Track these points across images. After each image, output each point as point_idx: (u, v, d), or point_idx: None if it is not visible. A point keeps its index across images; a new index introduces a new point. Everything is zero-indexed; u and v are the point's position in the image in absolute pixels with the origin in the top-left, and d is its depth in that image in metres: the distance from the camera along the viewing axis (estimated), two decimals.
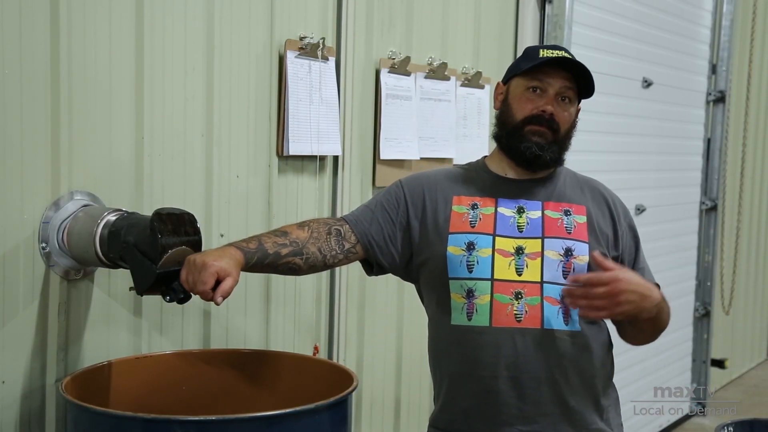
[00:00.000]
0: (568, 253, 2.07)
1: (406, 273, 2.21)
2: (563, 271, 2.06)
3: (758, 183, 6.26)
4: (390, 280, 3.12)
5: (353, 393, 2.03)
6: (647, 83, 4.70)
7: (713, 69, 5.37)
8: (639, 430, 4.75)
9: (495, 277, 2.06)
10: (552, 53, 2.10)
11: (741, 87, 5.78)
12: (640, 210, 4.69)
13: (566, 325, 2.05)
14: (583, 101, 2.18)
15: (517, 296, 2.05)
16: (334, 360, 2.88)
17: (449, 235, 2.11)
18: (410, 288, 2.28)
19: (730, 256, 5.79)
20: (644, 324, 2.10)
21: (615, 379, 2.23)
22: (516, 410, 2.06)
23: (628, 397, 4.59)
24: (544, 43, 3.82)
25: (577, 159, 3.76)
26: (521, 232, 2.09)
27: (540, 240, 2.08)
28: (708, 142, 5.41)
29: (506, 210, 2.12)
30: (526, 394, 2.05)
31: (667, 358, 5.12)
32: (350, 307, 2.99)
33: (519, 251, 2.07)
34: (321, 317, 2.89)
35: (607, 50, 4.33)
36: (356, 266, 2.96)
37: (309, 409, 1.89)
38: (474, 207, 2.13)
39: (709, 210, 5.47)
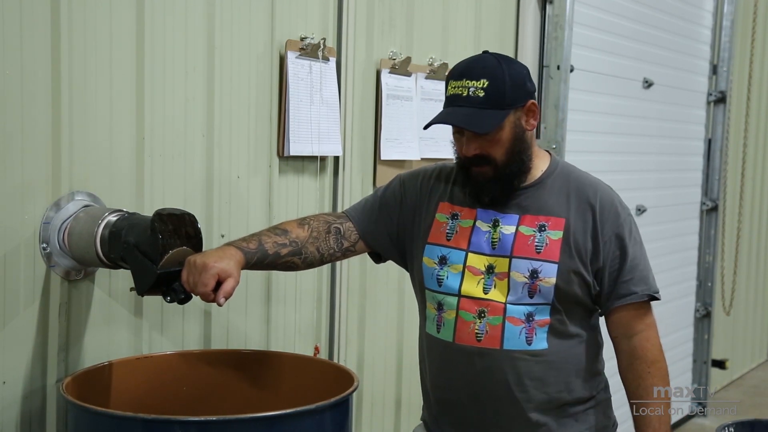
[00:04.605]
0: (533, 275, 2.01)
1: (406, 266, 2.24)
2: (529, 292, 2.01)
3: (759, 183, 6.26)
4: (390, 280, 3.12)
5: (354, 393, 2.04)
6: (648, 84, 4.70)
7: (714, 69, 5.36)
8: None
9: (462, 293, 2.05)
10: (454, 90, 2.02)
11: (742, 87, 5.77)
12: (640, 210, 4.68)
13: (529, 345, 2.02)
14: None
15: (481, 315, 2.03)
16: (335, 360, 2.88)
17: (426, 245, 2.11)
18: (411, 288, 2.28)
19: (730, 256, 5.78)
20: None
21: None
22: (478, 423, 2.08)
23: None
24: (544, 45, 3.81)
25: (578, 159, 3.77)
26: (494, 248, 2.05)
27: (508, 259, 2.03)
28: (709, 143, 5.41)
29: (483, 224, 2.07)
30: (487, 411, 2.06)
31: (668, 359, 5.02)
32: (351, 308, 2.99)
33: (490, 270, 2.04)
34: (321, 318, 2.89)
35: (608, 50, 4.32)
36: (357, 266, 2.98)
37: (310, 409, 1.89)
38: (454, 217, 2.11)
39: (710, 210, 5.47)
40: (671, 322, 5.08)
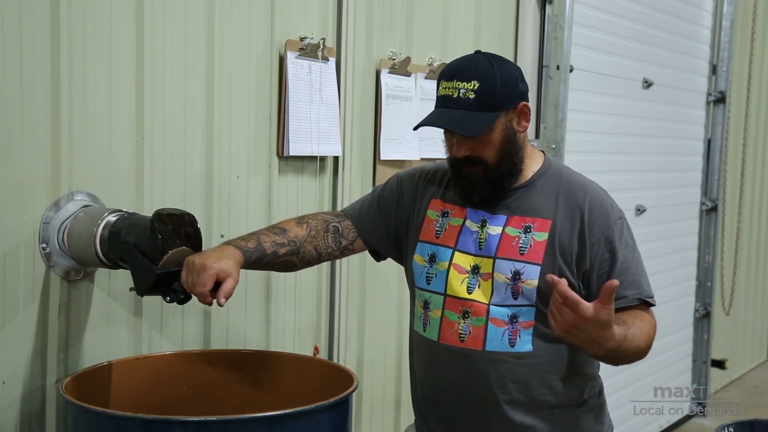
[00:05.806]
0: (515, 276, 1.99)
1: (403, 264, 2.24)
2: (512, 293, 1.99)
3: (758, 183, 6.26)
4: (390, 280, 3.12)
5: (353, 393, 2.04)
6: (647, 84, 4.70)
7: (713, 69, 5.37)
8: (639, 430, 4.75)
9: (447, 292, 2.04)
10: (444, 91, 1.98)
11: (741, 87, 5.77)
12: (640, 210, 4.68)
13: (511, 346, 1.99)
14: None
15: (465, 315, 2.02)
16: (335, 360, 2.88)
17: (418, 243, 2.12)
18: None
19: (730, 256, 5.79)
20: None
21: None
22: (462, 423, 2.08)
23: (629, 397, 4.59)
24: (544, 45, 3.81)
25: (577, 159, 3.78)
26: (480, 249, 2.04)
27: (492, 260, 2.02)
28: (708, 143, 5.41)
29: (472, 224, 2.06)
30: (470, 412, 2.06)
31: (668, 359, 5.13)
32: (350, 308, 2.99)
33: (475, 270, 2.03)
34: (321, 317, 2.89)
35: (607, 50, 4.33)
36: (356, 266, 2.98)
37: (309, 409, 1.89)
38: (444, 215, 2.10)
39: (710, 210, 5.47)
40: (671, 322, 5.08)
